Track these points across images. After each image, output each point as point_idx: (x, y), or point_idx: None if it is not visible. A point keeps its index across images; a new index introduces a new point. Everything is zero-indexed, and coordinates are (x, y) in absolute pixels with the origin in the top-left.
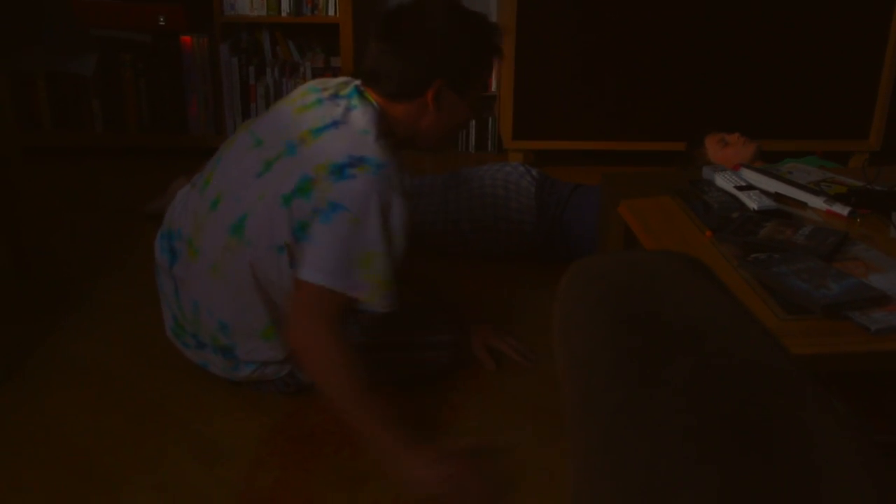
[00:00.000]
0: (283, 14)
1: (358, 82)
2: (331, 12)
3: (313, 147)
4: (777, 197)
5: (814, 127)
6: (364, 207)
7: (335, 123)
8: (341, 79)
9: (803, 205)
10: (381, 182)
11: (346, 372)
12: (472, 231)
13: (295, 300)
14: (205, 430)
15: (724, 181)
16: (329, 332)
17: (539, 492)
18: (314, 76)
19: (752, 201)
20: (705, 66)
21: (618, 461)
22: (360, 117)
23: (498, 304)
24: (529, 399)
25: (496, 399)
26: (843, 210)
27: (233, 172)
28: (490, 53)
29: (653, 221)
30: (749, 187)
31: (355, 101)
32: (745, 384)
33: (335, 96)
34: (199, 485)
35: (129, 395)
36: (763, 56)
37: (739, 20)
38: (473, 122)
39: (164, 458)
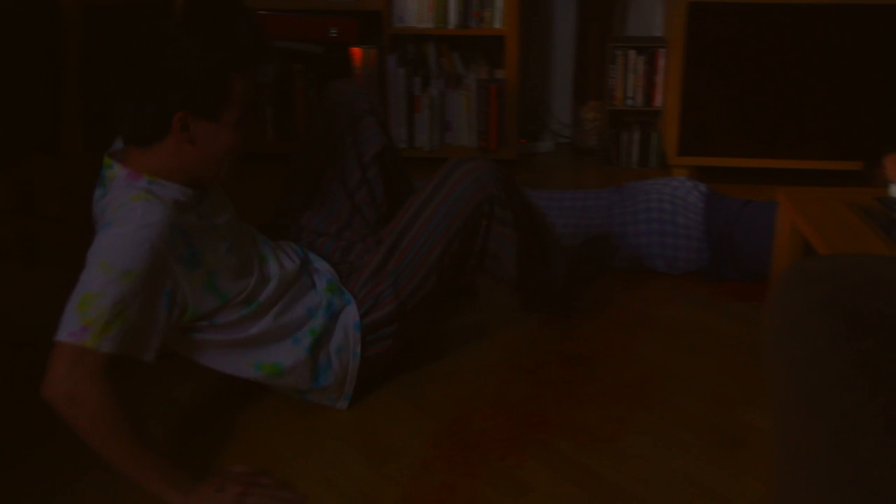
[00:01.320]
0: (450, 26)
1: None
2: (497, 24)
3: None
4: None
5: None
6: (91, 255)
7: (104, 227)
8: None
9: None
10: (115, 227)
11: (113, 429)
12: (636, 246)
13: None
14: (372, 429)
15: None
16: (91, 387)
17: None
18: (478, 88)
19: None
20: (884, 81)
21: (855, 464)
22: (108, 209)
23: (662, 321)
24: (694, 414)
25: (661, 413)
26: None
27: None
28: (229, 73)
29: (836, 239)
30: None
31: (102, 189)
32: None
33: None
34: (366, 482)
35: None
36: None
37: None
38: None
39: (332, 454)
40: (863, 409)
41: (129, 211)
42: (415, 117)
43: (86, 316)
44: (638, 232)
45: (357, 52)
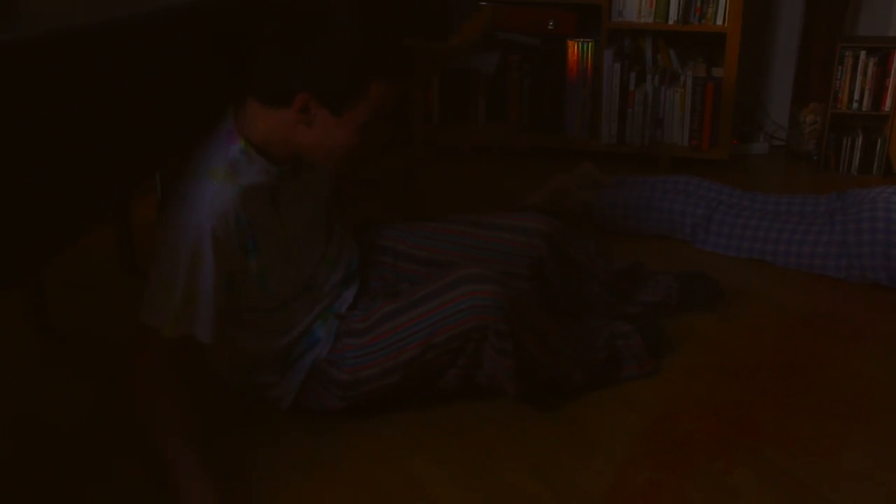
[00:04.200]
0: (670, 22)
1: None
2: (718, 21)
3: None
4: None
5: None
6: (165, 232)
7: (178, 200)
8: None
9: None
10: (184, 209)
11: (182, 417)
12: (857, 256)
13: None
14: (579, 420)
15: None
16: (160, 374)
17: None
18: (694, 86)
19: None
20: None
21: None
22: (210, 155)
23: (884, 337)
24: None
25: (882, 432)
26: None
27: None
28: (369, 76)
29: None
30: None
31: (221, 132)
32: None
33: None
34: (572, 472)
35: None
36: None
37: None
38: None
39: (539, 442)
40: None
41: (202, 191)
42: (627, 113)
43: (166, 303)
44: (860, 241)
45: (573, 44)
